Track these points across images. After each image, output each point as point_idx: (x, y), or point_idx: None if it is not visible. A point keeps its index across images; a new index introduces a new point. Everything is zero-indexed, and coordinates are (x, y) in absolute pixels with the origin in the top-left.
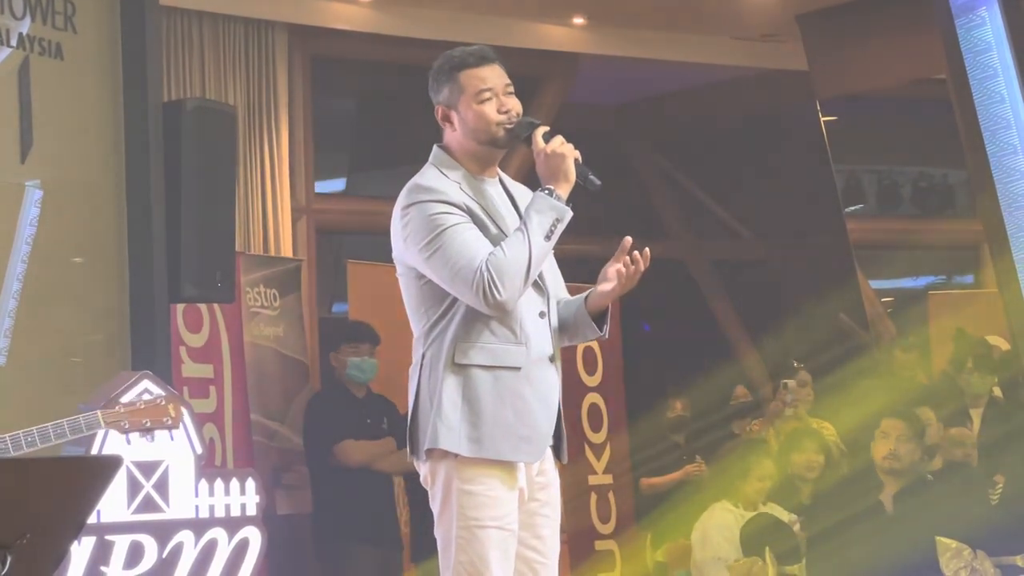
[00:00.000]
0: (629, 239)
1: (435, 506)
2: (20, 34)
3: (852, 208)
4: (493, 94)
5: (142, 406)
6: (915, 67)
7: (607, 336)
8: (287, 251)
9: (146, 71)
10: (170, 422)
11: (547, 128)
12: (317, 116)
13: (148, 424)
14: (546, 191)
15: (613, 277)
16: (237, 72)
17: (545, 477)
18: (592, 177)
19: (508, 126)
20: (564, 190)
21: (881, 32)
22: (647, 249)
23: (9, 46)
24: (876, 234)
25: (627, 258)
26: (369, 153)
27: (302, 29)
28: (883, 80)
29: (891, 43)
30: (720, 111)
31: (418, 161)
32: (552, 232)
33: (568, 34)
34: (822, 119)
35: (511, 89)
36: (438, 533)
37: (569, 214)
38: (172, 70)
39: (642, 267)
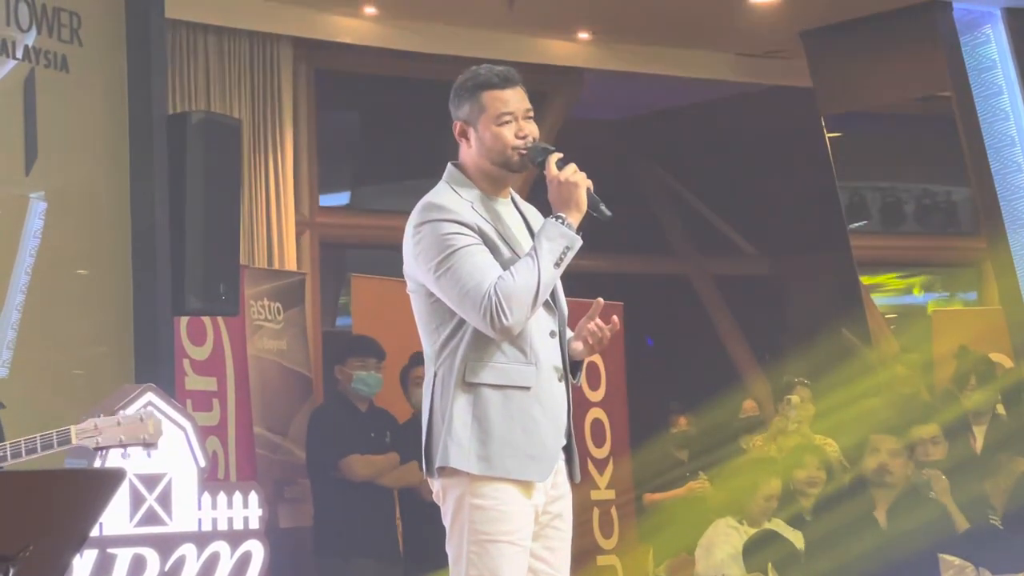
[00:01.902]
0: (601, 301)
1: (446, 521)
2: (26, 46)
3: (856, 225)
4: (513, 118)
5: (120, 422)
6: (919, 84)
7: (578, 383)
8: (291, 264)
9: (151, 84)
10: (146, 439)
11: (561, 155)
12: (321, 129)
13: (123, 440)
14: (558, 218)
15: (588, 338)
16: (242, 85)
17: (558, 490)
18: (603, 208)
19: (522, 151)
20: (575, 218)
21: (885, 49)
22: (615, 317)
23: (15, 58)
24: (880, 251)
25: (595, 324)
26: (373, 167)
27: (307, 43)
28: (887, 97)
29: (895, 60)
30: (724, 127)
31: (422, 175)
32: (562, 260)
33: (573, 49)
34: (826, 135)
35: (531, 114)
36: (449, 548)
37: (579, 243)
38: (177, 83)
39: (608, 335)
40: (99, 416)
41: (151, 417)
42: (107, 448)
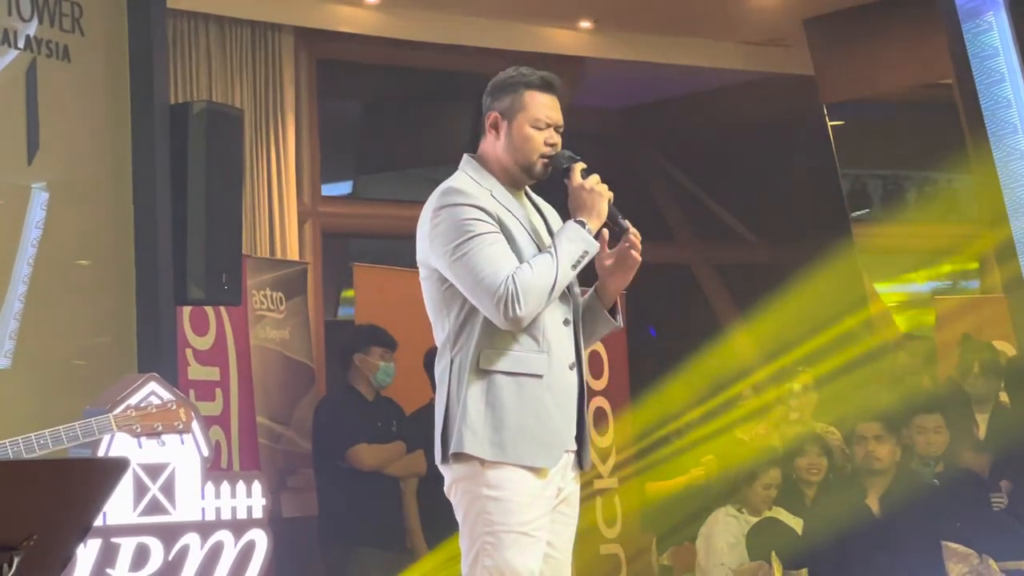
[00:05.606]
0: (605, 232)
1: (459, 511)
2: (27, 36)
3: (858, 212)
4: (547, 126)
5: (153, 410)
6: (921, 72)
7: (622, 326)
8: (293, 254)
9: (153, 73)
10: (181, 426)
11: (585, 165)
12: (323, 119)
13: (159, 428)
14: (579, 223)
15: (612, 256)
16: (244, 75)
17: (567, 477)
18: (622, 220)
19: (546, 159)
20: (594, 226)
21: (887, 36)
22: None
23: (16, 48)
24: (882, 238)
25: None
26: (375, 156)
27: (309, 32)
28: (889, 84)
29: (897, 47)
30: (726, 115)
31: (424, 164)
32: (579, 262)
33: (574, 38)
34: (829, 123)
35: (561, 129)
36: (462, 539)
37: (596, 248)
38: (179, 72)
39: (632, 240)
40: (125, 405)
41: (183, 404)
42: (145, 436)
